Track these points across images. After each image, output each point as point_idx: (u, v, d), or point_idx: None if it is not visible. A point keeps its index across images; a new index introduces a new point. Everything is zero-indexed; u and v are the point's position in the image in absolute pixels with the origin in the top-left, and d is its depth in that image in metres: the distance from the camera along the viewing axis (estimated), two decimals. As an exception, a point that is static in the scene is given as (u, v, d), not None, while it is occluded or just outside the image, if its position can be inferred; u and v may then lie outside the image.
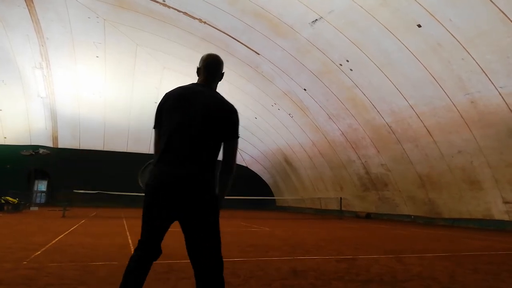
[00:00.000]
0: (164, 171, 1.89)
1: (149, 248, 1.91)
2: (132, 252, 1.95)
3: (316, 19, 11.43)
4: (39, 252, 5.13)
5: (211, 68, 2.13)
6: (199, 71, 2.16)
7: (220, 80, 2.18)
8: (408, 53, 10.79)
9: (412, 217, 15.01)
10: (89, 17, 14.66)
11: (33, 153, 19.11)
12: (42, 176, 22.27)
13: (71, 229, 8.63)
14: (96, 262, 4.53)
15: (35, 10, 14.22)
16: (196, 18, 13.51)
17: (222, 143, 1.99)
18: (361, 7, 10.25)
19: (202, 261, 1.86)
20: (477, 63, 9.61)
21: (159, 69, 18.25)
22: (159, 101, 2.12)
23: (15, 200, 15.21)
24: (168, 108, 2.01)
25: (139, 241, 1.93)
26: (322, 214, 20.28)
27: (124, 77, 18.87)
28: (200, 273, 1.85)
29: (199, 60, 2.19)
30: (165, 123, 2.00)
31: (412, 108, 12.29)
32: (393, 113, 13.14)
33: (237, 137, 2.02)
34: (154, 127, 2.09)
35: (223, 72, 2.19)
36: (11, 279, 3.56)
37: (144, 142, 24.14)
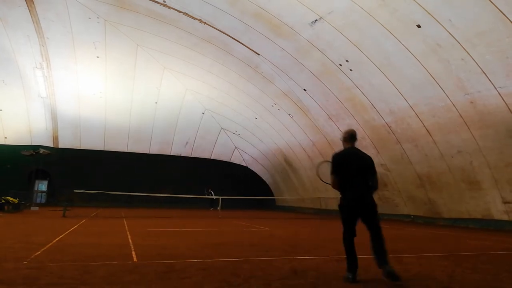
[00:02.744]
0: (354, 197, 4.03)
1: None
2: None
3: (316, 20, 11.45)
4: (39, 252, 5.16)
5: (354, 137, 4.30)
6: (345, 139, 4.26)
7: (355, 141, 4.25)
8: (408, 53, 10.80)
9: (412, 217, 15.02)
10: (89, 18, 14.69)
11: (34, 153, 19.10)
12: (42, 176, 22.25)
13: (72, 229, 8.65)
14: (97, 262, 4.55)
15: (36, 10, 14.24)
16: (196, 19, 13.53)
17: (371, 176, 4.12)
18: (361, 7, 10.27)
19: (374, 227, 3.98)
20: (476, 63, 9.62)
21: (160, 69, 18.27)
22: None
23: (16, 200, 15.24)
24: (344, 163, 4.06)
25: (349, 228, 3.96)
26: (322, 214, 20.29)
27: (124, 78, 18.88)
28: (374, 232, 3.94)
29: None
30: (344, 170, 4.02)
31: (412, 108, 12.29)
32: (393, 113, 13.15)
33: (376, 172, 4.15)
34: (333, 173, 4.09)
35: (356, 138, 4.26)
36: (12, 278, 3.59)
37: (144, 142, 24.18)
